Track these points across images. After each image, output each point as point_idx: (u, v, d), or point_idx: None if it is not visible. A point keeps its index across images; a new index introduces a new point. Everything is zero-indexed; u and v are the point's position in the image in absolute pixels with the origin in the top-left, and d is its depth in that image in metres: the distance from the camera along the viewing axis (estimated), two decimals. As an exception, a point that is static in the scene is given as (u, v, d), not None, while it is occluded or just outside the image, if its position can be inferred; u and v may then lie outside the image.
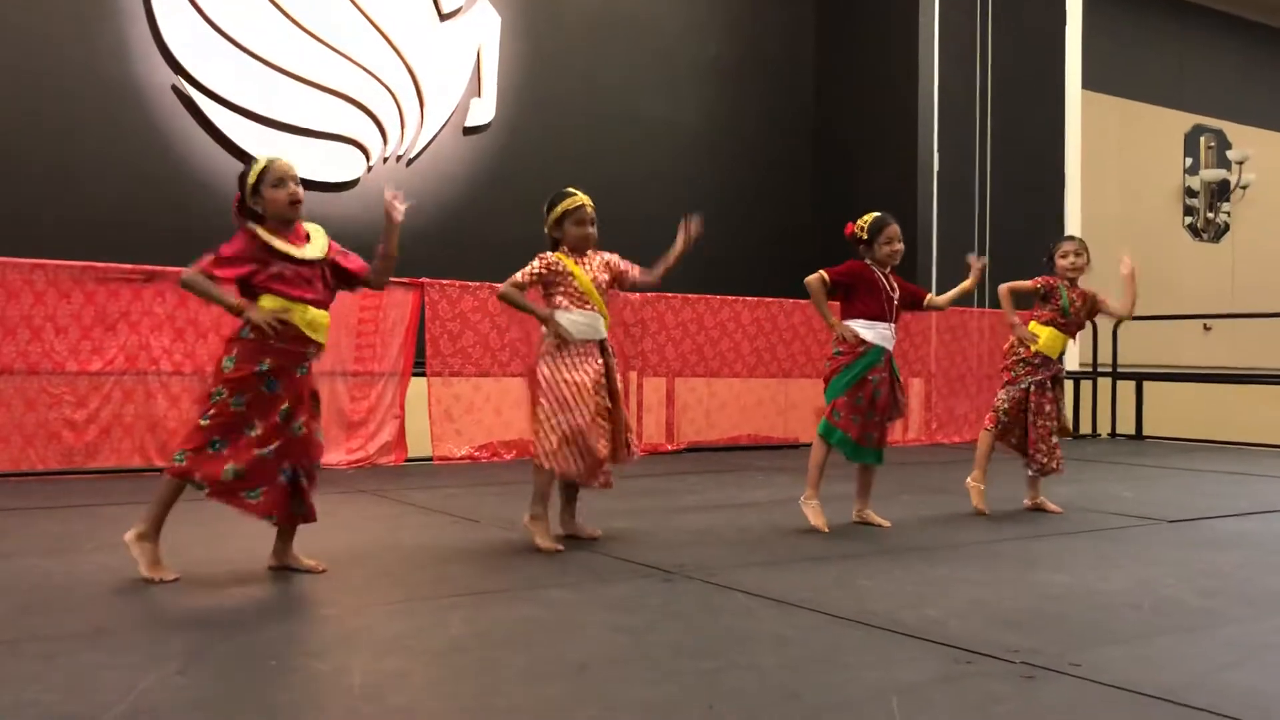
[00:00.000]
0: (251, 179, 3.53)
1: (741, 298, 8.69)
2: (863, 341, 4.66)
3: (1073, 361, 11.25)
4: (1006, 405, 5.24)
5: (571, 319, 4.16)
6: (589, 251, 4.29)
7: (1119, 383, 10.68)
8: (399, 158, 8.81)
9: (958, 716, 2.28)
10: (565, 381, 4.08)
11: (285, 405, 3.48)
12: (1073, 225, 11.34)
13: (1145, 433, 10.47)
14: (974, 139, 10.59)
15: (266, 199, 3.51)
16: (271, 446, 3.45)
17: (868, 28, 10.80)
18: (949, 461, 5.54)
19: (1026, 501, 5.33)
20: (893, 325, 4.74)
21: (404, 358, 7.18)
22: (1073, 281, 5.31)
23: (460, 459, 7.29)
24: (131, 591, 3.30)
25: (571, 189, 4.31)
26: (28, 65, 7.47)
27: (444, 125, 9.01)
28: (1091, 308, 5.36)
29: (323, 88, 8.49)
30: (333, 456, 6.85)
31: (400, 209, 3.74)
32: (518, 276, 4.20)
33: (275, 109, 8.28)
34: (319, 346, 3.60)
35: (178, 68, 7.94)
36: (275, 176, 3.52)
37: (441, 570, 3.79)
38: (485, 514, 4.97)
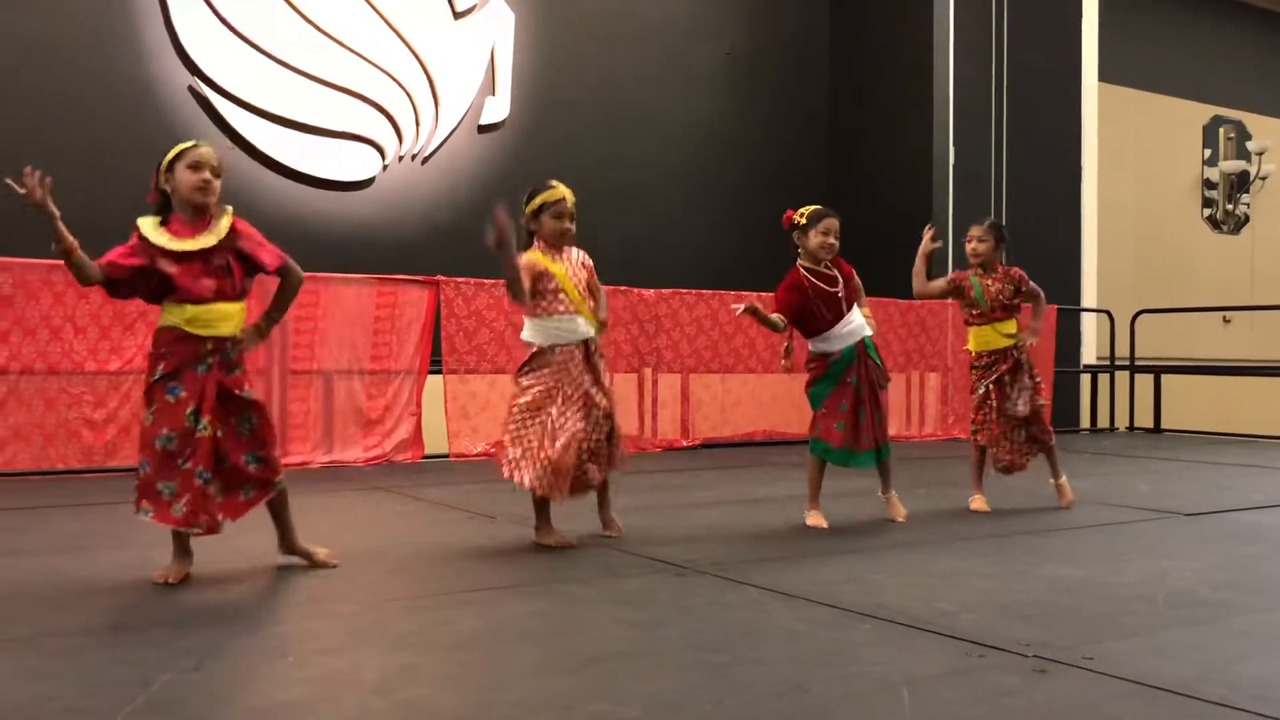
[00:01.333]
0: (169, 156, 3.46)
1: (756, 293, 8.67)
2: (828, 354, 4.58)
3: (1090, 354, 11.21)
4: (975, 415, 5.18)
5: (542, 329, 4.08)
6: (565, 248, 4.17)
7: (1137, 375, 10.63)
8: (414, 156, 8.85)
9: (968, 709, 2.28)
10: (539, 394, 4.01)
11: (190, 408, 3.38)
12: (1090, 218, 11.29)
13: (1163, 426, 10.42)
14: (990, 133, 10.55)
15: (177, 178, 3.42)
16: (186, 453, 3.36)
17: (882, 24, 10.77)
18: (965, 456, 5.53)
19: (1050, 479, 5.24)
20: (851, 314, 4.58)
21: (420, 355, 7.21)
22: (985, 268, 5.14)
23: (476, 456, 7.32)
24: (148, 588, 3.34)
25: (553, 181, 4.20)
26: (45, 67, 7.54)
27: (459, 124, 9.04)
28: (1019, 287, 5.11)
29: (338, 87, 8.53)
30: (349, 454, 6.90)
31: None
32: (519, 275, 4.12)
33: (291, 109, 8.32)
34: (224, 341, 3.44)
35: (194, 68, 7.99)
36: (193, 159, 3.43)
37: (455, 566, 3.81)
38: (500, 510, 4.99)
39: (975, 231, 5.16)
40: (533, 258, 4.10)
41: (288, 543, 3.66)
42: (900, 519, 4.72)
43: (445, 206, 8.94)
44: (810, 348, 4.64)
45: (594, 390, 4.12)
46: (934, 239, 4.98)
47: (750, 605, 3.19)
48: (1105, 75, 11.75)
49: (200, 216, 3.46)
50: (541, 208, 4.15)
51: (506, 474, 4.03)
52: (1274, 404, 11.07)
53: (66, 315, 6.12)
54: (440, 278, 7.28)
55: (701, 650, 2.71)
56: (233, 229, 3.49)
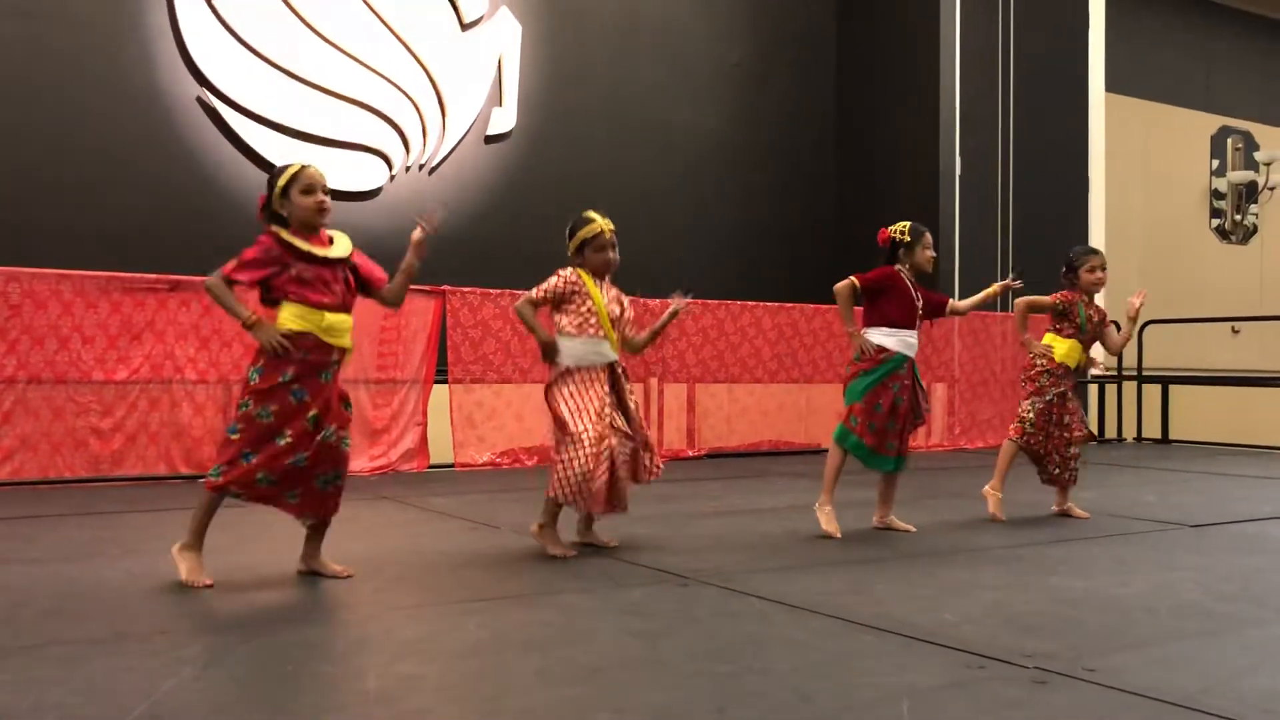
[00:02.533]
0: (282, 182, 3.56)
1: (762, 303, 8.69)
2: (883, 350, 4.65)
3: (1098, 365, 11.18)
4: (1033, 417, 5.19)
5: (570, 347, 4.14)
6: (607, 278, 4.29)
7: (1145, 386, 10.60)
8: (421, 167, 8.87)
9: (969, 721, 2.28)
10: (570, 410, 4.06)
11: (313, 412, 3.50)
12: (1097, 229, 11.28)
13: (1172, 436, 10.39)
14: (997, 143, 10.55)
15: (294, 203, 3.54)
16: (302, 454, 3.48)
17: (890, 33, 10.78)
18: (972, 467, 5.53)
19: (1054, 507, 5.29)
20: (916, 332, 4.75)
21: (426, 365, 7.23)
22: (1091, 297, 5.28)
23: (482, 465, 7.33)
24: (153, 597, 3.35)
25: (591, 214, 4.27)
26: (55, 77, 7.58)
27: (466, 134, 9.07)
28: (1101, 324, 5.32)
29: (345, 98, 8.56)
30: (356, 463, 6.90)
31: (424, 230, 3.79)
32: (534, 293, 4.19)
33: (299, 119, 8.36)
34: (343, 351, 3.61)
35: (203, 80, 8.03)
36: (306, 183, 3.56)
37: (459, 575, 3.82)
38: (505, 520, 4.99)
39: (1100, 260, 5.26)
40: (579, 274, 4.20)
41: (315, 555, 3.69)
42: (910, 529, 4.74)
43: (452, 217, 8.94)
44: (866, 340, 4.67)
45: (615, 413, 4.18)
46: (1016, 278, 5.16)
47: (754, 615, 3.19)
48: (1113, 85, 11.75)
49: (314, 234, 3.59)
50: (584, 244, 4.23)
51: (549, 492, 4.10)
52: (1283, 415, 11.03)
53: (74, 325, 6.15)
54: (446, 288, 7.31)
55: (705, 660, 2.71)
56: (353, 251, 3.70)
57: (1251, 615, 3.28)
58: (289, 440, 3.46)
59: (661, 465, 4.38)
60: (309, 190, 3.55)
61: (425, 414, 7.21)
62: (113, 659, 2.66)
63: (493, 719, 2.28)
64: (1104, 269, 5.25)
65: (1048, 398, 5.19)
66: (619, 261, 4.29)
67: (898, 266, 4.77)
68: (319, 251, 3.55)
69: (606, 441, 4.06)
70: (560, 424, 4.09)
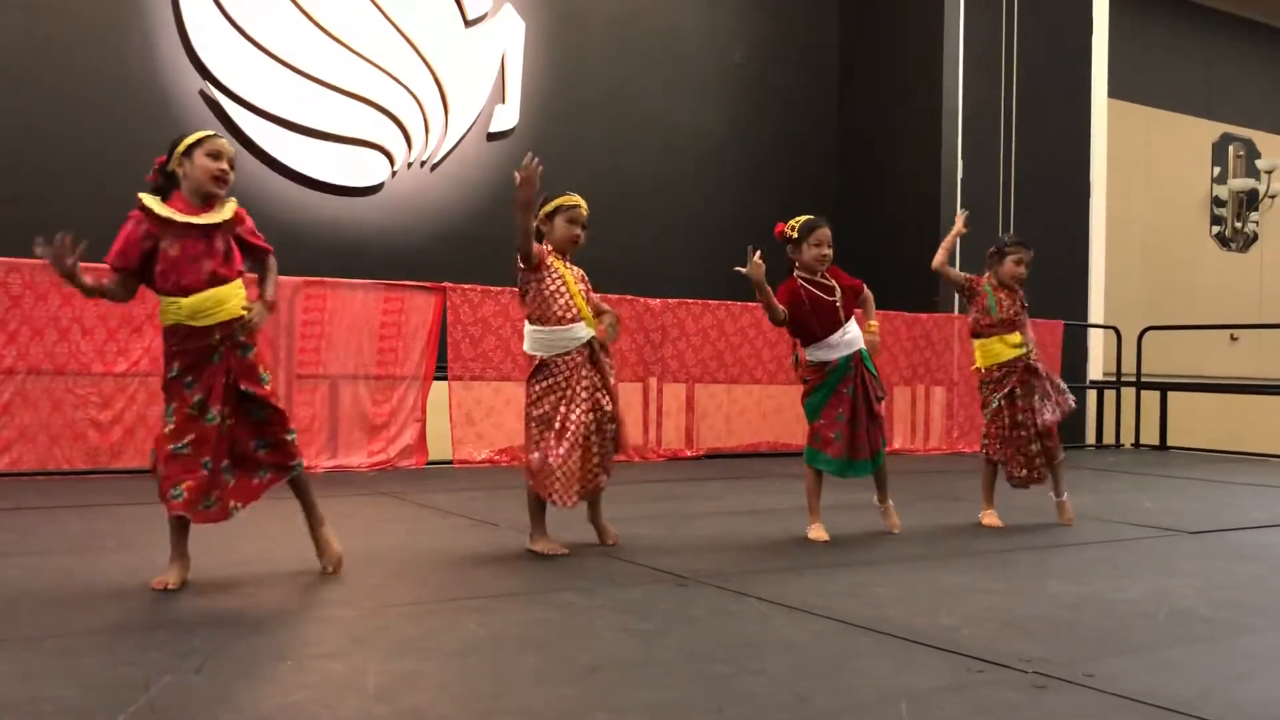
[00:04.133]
0: (189, 140, 3.43)
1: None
2: (825, 364, 4.58)
3: (1096, 370, 11.19)
4: (989, 428, 5.17)
5: (538, 338, 4.11)
6: (569, 258, 4.21)
7: (1143, 392, 10.61)
8: (423, 163, 8.87)
9: (967, 724, 2.28)
10: (549, 404, 4.05)
11: (199, 397, 3.38)
12: (1098, 234, 11.28)
13: (1169, 443, 10.39)
14: (999, 148, 10.56)
15: (195, 163, 3.39)
16: (186, 440, 3.35)
17: (892, 36, 10.79)
18: (969, 470, 5.53)
19: (1052, 496, 5.24)
20: (848, 324, 4.59)
21: (426, 362, 7.23)
22: (1010, 288, 5.15)
23: (481, 462, 7.33)
24: (152, 590, 3.34)
25: (569, 192, 4.22)
26: (56, 70, 7.58)
27: (468, 131, 9.07)
28: (1022, 303, 5.17)
29: (348, 93, 8.56)
30: (354, 459, 6.91)
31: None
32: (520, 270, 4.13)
33: (301, 114, 8.35)
34: (227, 325, 3.41)
35: (205, 73, 8.03)
36: (214, 148, 3.43)
37: (457, 573, 3.82)
38: (503, 517, 4.99)
39: (1025, 256, 5.17)
40: (544, 250, 4.13)
41: (310, 522, 3.66)
42: (895, 529, 4.73)
43: (453, 213, 8.97)
44: (807, 356, 4.64)
45: (600, 394, 4.14)
46: (966, 223, 5.08)
47: (752, 616, 3.19)
48: (1115, 91, 11.76)
49: (206, 205, 3.44)
50: (557, 210, 4.17)
51: (528, 481, 4.08)
52: (1280, 423, 11.04)
53: (74, 316, 6.14)
54: (447, 284, 7.31)
55: (703, 660, 2.71)
56: (236, 214, 3.51)
57: (1249, 622, 3.29)
58: (187, 442, 3.35)
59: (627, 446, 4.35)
60: (215, 155, 3.42)
61: (424, 410, 7.22)
62: (110, 652, 2.66)
63: (490, 717, 2.28)
64: (1028, 266, 5.14)
65: (993, 405, 5.15)
66: (582, 245, 4.20)
67: (795, 271, 4.63)
68: (190, 219, 3.37)
69: (575, 433, 4.00)
70: (540, 416, 4.05)
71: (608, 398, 4.16)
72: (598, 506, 4.33)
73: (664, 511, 5.32)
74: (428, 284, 7.25)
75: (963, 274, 5.24)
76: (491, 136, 9.21)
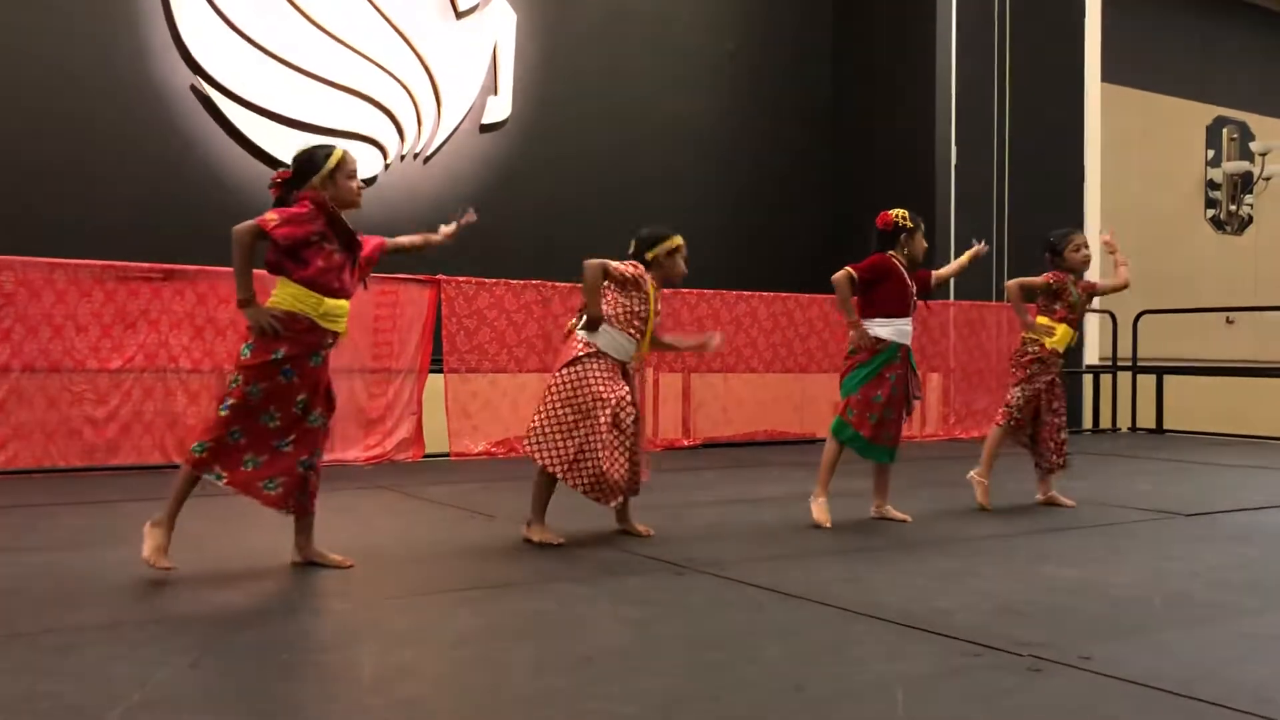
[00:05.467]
0: (331, 163, 3.54)
1: (757, 293, 8.68)
2: (880, 340, 4.65)
3: (1093, 354, 11.19)
4: (1022, 403, 5.21)
5: (609, 334, 4.18)
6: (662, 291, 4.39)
7: (1139, 376, 10.62)
8: (416, 155, 8.85)
9: (964, 708, 2.28)
10: (595, 395, 4.08)
11: (302, 396, 3.49)
12: (1092, 218, 11.27)
13: (1166, 426, 10.40)
14: (992, 133, 10.54)
15: (339, 186, 3.54)
16: (289, 439, 3.48)
17: (885, 22, 10.76)
18: (966, 456, 5.54)
19: (1039, 496, 5.31)
20: (911, 319, 4.75)
21: (421, 354, 7.22)
22: (1079, 275, 5.29)
23: (477, 454, 7.33)
24: (148, 586, 3.34)
25: (670, 231, 4.44)
26: (48, 66, 7.54)
27: (460, 123, 9.03)
28: (1090, 296, 5.37)
29: (340, 86, 8.53)
30: (350, 453, 6.90)
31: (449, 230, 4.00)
32: (611, 265, 4.17)
33: (293, 108, 8.32)
34: (336, 336, 3.59)
35: (196, 68, 8.00)
36: (351, 168, 3.60)
37: (453, 564, 3.82)
38: (500, 509, 4.99)
39: (1084, 239, 5.30)
40: (649, 276, 4.29)
41: (309, 541, 3.66)
42: (907, 519, 4.75)
43: (447, 206, 8.85)
44: (865, 333, 4.66)
45: (630, 407, 4.20)
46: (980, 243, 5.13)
47: (748, 604, 3.19)
48: (1108, 75, 11.73)
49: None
50: (669, 252, 4.37)
51: (550, 468, 4.05)
52: (1277, 405, 11.04)
53: (68, 313, 6.13)
54: (441, 277, 7.29)
55: (699, 649, 2.71)
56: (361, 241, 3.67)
57: (1245, 604, 3.29)
58: (277, 423, 3.46)
59: (648, 473, 4.43)
60: (353, 175, 3.59)
61: (420, 403, 7.21)
62: (106, 647, 2.66)
63: (487, 707, 2.28)
64: (1088, 245, 5.30)
65: (1036, 385, 5.21)
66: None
67: (891, 253, 4.76)
68: (353, 231, 3.58)
69: (623, 435, 4.08)
70: (583, 404, 4.05)
71: (634, 416, 4.22)
72: (627, 509, 4.35)
73: (660, 501, 5.31)
74: (422, 276, 7.23)
75: (1040, 278, 5.28)
76: (484, 128, 9.17)
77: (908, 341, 4.72)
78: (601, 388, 4.09)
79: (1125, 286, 5.47)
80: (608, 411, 4.05)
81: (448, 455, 7.25)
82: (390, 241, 3.86)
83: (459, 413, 7.32)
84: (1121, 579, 3.60)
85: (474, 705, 2.30)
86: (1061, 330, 5.23)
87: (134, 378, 6.31)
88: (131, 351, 6.29)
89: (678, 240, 4.41)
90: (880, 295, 4.69)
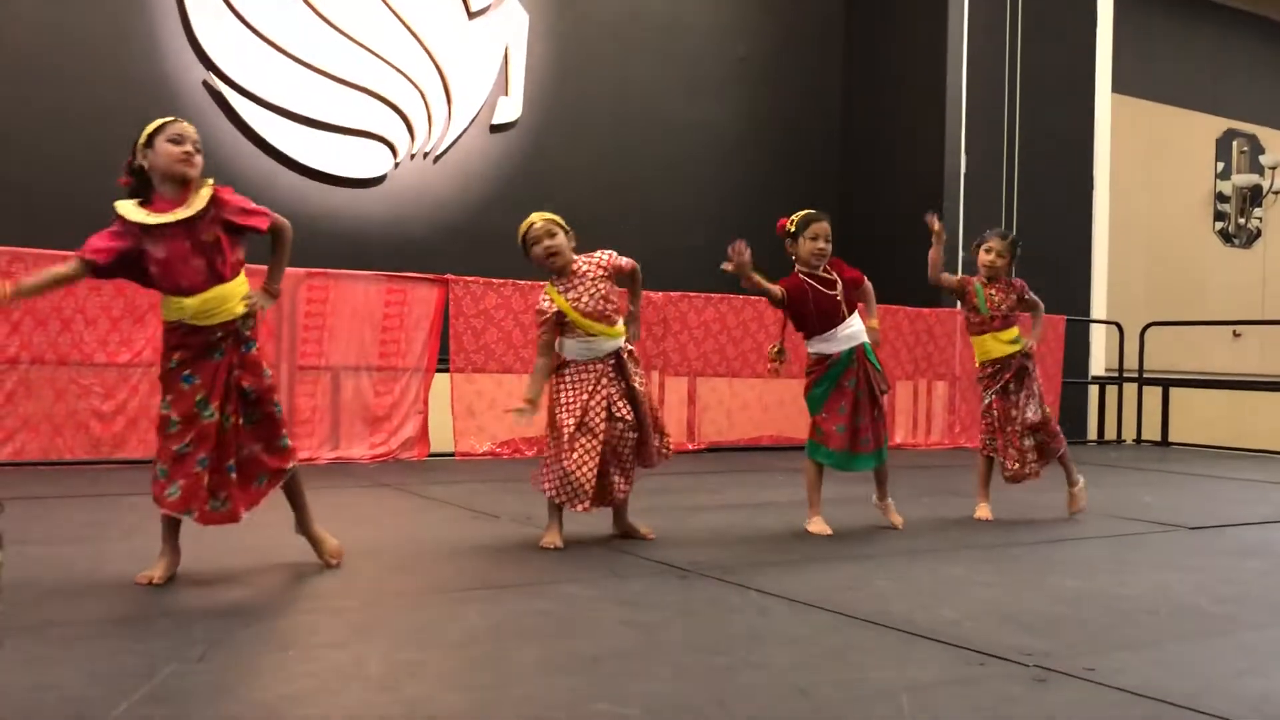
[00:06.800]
0: (149, 129, 3.31)
1: (765, 298, 8.67)
2: (828, 356, 4.59)
3: (1099, 366, 11.18)
4: (981, 424, 5.20)
5: (569, 344, 4.15)
6: (573, 269, 4.17)
7: (1146, 388, 10.60)
8: (426, 154, 8.87)
9: (967, 717, 2.29)
10: (559, 404, 4.11)
11: (200, 395, 3.34)
12: (1101, 229, 11.27)
13: (1171, 439, 10.39)
14: (1002, 142, 10.54)
15: (158, 152, 3.27)
16: (188, 440, 3.31)
17: (896, 31, 10.76)
18: (971, 465, 5.54)
19: (979, 509, 5.17)
20: (850, 318, 4.60)
21: (428, 354, 7.23)
22: (992, 278, 5.12)
23: (482, 455, 7.34)
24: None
25: (530, 216, 4.24)
26: (60, 60, 7.57)
27: (471, 123, 9.06)
28: (1020, 296, 5.12)
29: (351, 84, 8.56)
30: (355, 450, 6.91)
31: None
32: (540, 338, 4.16)
33: (304, 105, 8.35)
34: (229, 324, 3.35)
35: (209, 63, 8.02)
36: (174, 133, 3.29)
37: (459, 564, 3.82)
38: (505, 509, 5.00)
39: (995, 245, 5.13)
40: (547, 291, 4.18)
41: (302, 524, 3.64)
42: (898, 526, 4.72)
43: (456, 205, 8.96)
44: (809, 349, 4.65)
45: (620, 403, 4.14)
46: (938, 222, 4.94)
47: (753, 609, 3.20)
48: (1118, 86, 11.73)
49: (182, 191, 3.31)
50: (523, 243, 4.24)
51: (531, 482, 4.19)
52: (1283, 419, 11.03)
53: (77, 307, 6.15)
54: (449, 276, 7.30)
55: (703, 653, 2.71)
56: (214, 198, 3.33)
57: (1249, 617, 3.29)
58: (189, 441, 3.30)
59: (671, 449, 4.38)
60: (177, 140, 3.28)
61: (426, 402, 7.22)
62: (113, 641, 2.67)
63: (491, 707, 2.29)
64: (1000, 255, 5.08)
65: (985, 401, 5.17)
66: (560, 245, 4.15)
67: (797, 269, 4.65)
68: (163, 219, 3.25)
69: (592, 438, 4.03)
70: (553, 417, 4.13)
71: (627, 406, 4.15)
72: (623, 515, 4.33)
73: (665, 504, 5.32)
74: (430, 276, 7.25)
75: (955, 277, 5.24)
76: (494, 128, 9.19)
77: (855, 343, 4.59)
78: (567, 395, 4.11)
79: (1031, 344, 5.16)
80: (572, 420, 4.05)
81: (452, 455, 7.26)
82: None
83: (464, 413, 7.33)
84: (1126, 590, 3.60)
85: (479, 704, 2.30)
86: (979, 343, 5.13)
87: (142, 372, 6.33)
88: (140, 346, 6.31)
89: (524, 224, 4.20)
90: (804, 316, 4.60)
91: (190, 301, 3.30)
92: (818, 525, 4.57)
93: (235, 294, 3.37)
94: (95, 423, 6.22)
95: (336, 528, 3.85)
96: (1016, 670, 2.60)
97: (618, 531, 4.33)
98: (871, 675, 2.56)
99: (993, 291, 5.12)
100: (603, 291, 4.16)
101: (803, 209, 4.84)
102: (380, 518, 4.88)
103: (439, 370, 7.29)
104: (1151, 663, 2.73)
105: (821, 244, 4.62)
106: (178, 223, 3.28)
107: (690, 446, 8.21)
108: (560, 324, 4.15)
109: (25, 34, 7.47)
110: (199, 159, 3.34)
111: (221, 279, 3.33)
